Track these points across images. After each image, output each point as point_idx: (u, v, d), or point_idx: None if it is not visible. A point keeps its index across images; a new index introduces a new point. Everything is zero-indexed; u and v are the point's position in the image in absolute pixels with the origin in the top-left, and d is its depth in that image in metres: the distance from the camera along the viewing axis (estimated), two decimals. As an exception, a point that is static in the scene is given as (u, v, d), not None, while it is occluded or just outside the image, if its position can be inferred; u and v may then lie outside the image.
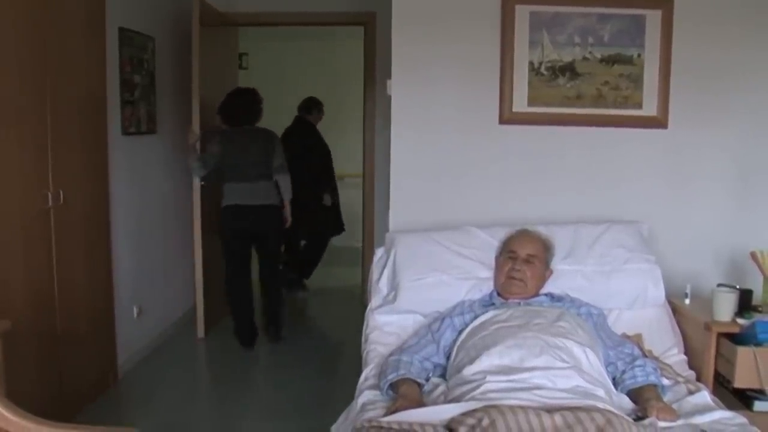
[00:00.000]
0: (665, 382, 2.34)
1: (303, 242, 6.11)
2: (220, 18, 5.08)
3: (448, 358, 2.42)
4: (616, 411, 1.87)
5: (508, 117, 3.20)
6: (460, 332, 2.44)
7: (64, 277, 3.23)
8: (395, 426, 1.85)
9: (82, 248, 3.44)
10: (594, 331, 2.42)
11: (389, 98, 3.26)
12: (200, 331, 4.78)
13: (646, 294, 2.80)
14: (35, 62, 3.01)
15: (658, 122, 3.19)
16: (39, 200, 3.06)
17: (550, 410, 1.81)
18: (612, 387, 2.23)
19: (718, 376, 2.62)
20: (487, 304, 2.60)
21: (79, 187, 3.39)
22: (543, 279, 2.65)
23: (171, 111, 4.78)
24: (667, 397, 2.26)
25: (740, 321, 2.61)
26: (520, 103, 3.18)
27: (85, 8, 3.45)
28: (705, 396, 2.27)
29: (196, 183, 4.64)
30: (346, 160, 6.94)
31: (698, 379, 2.53)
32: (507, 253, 2.67)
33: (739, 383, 2.50)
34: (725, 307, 2.64)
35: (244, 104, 4.54)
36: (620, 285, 2.79)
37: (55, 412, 2.84)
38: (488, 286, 2.72)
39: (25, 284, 2.95)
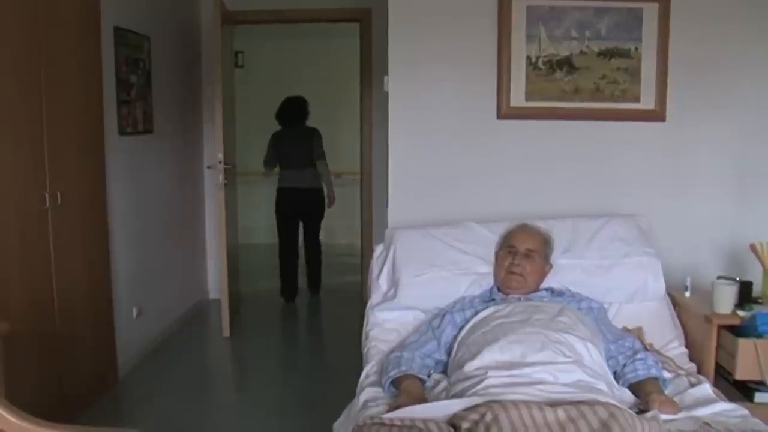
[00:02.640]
0: (666, 375, 2.34)
1: None
2: (225, 16, 5.06)
3: (448, 354, 2.41)
4: (618, 405, 1.87)
5: (506, 112, 3.19)
6: (461, 328, 2.44)
7: (62, 278, 3.22)
8: (398, 422, 1.85)
9: (80, 249, 3.43)
10: (595, 326, 2.42)
11: (386, 94, 3.26)
12: (225, 330, 4.77)
13: (646, 287, 2.80)
14: (30, 63, 3.00)
15: (656, 115, 3.19)
16: (36, 201, 3.05)
17: (553, 405, 1.80)
18: (613, 381, 2.23)
19: (719, 368, 2.62)
20: (488, 299, 2.59)
21: (77, 187, 3.38)
22: (542, 274, 2.65)
23: (168, 110, 4.77)
24: (668, 390, 2.26)
25: (741, 313, 2.61)
26: (518, 98, 3.18)
27: (79, 8, 3.43)
28: (706, 388, 2.27)
29: (220, 180, 4.67)
30: (343, 158, 6.93)
31: (699, 372, 2.53)
32: (506, 248, 2.67)
33: (740, 375, 2.50)
34: (725, 300, 2.64)
35: (294, 109, 5.70)
36: (620, 278, 2.79)
37: (54, 413, 2.83)
38: (488, 282, 2.72)
39: (23, 286, 2.94)
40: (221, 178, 4.68)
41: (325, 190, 5.71)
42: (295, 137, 5.65)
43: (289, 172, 5.59)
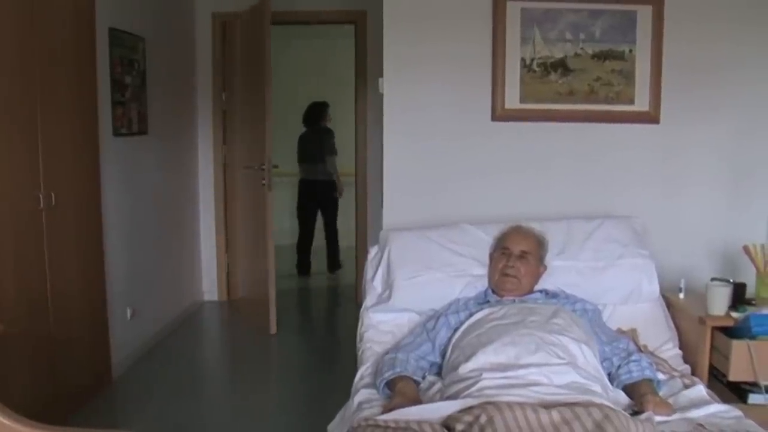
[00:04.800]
0: (660, 376, 2.35)
1: None
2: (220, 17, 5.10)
3: (443, 356, 2.41)
4: (613, 406, 1.87)
5: (500, 114, 3.20)
6: (456, 330, 2.44)
7: (56, 278, 3.21)
8: (392, 424, 1.85)
9: (75, 250, 3.42)
10: (589, 327, 2.42)
11: (381, 96, 3.26)
12: (272, 327, 4.83)
13: (641, 289, 2.81)
14: (25, 63, 2.99)
15: (650, 117, 3.20)
16: (30, 202, 3.04)
17: (548, 406, 1.80)
18: (608, 382, 2.23)
19: (712, 369, 2.63)
20: (482, 301, 2.59)
21: (71, 188, 3.37)
22: (537, 275, 2.65)
23: (162, 111, 4.76)
24: (662, 392, 2.26)
25: (734, 315, 2.62)
26: (513, 100, 3.19)
27: (74, 9, 3.42)
28: (700, 390, 2.28)
29: (266, 181, 4.74)
30: (339, 159, 6.95)
31: (693, 373, 2.54)
32: (500, 249, 2.67)
33: (733, 377, 2.51)
34: (719, 301, 2.64)
35: (314, 111, 6.58)
36: (614, 280, 2.80)
37: (48, 414, 2.82)
38: (483, 284, 2.72)
39: (17, 286, 2.93)
40: (267, 179, 4.72)
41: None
42: (312, 136, 6.53)
43: (306, 165, 6.54)
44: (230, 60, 5.42)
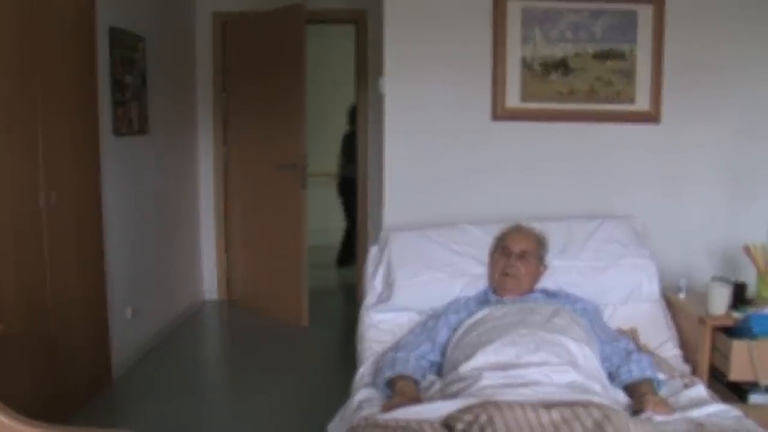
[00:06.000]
0: (661, 376, 2.35)
1: None
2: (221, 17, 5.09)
3: (443, 355, 2.41)
4: (613, 406, 1.87)
5: (501, 113, 3.20)
6: (456, 330, 2.44)
7: (56, 278, 3.21)
8: (392, 423, 1.84)
9: (75, 249, 3.42)
10: (589, 327, 2.42)
11: (381, 96, 3.26)
12: (305, 320, 5.02)
13: (641, 289, 2.81)
14: (25, 63, 2.99)
15: (651, 117, 3.20)
16: (31, 201, 3.04)
17: (548, 406, 1.80)
18: (607, 382, 2.23)
19: (713, 369, 2.63)
20: (483, 301, 2.60)
21: (71, 187, 3.37)
22: (537, 275, 2.65)
23: (163, 111, 4.76)
24: (662, 392, 2.26)
25: (735, 314, 2.62)
26: (513, 99, 3.19)
27: (74, 8, 3.42)
28: (700, 390, 2.27)
29: (301, 180, 4.82)
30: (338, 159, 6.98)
31: (693, 373, 2.55)
32: (501, 249, 2.67)
33: (734, 376, 2.51)
34: (720, 301, 2.65)
35: (355, 112, 6.33)
36: (615, 280, 2.80)
37: (48, 414, 2.82)
38: (483, 283, 2.72)
39: (17, 287, 2.93)
40: (302, 177, 4.80)
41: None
42: (353, 136, 6.53)
43: (347, 163, 6.77)
44: (231, 60, 5.42)
